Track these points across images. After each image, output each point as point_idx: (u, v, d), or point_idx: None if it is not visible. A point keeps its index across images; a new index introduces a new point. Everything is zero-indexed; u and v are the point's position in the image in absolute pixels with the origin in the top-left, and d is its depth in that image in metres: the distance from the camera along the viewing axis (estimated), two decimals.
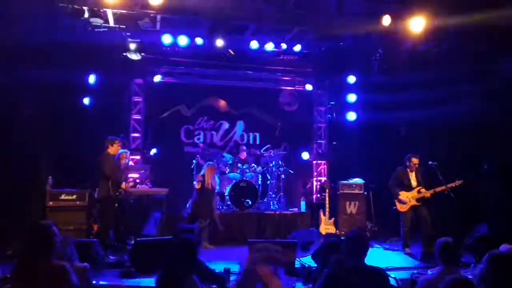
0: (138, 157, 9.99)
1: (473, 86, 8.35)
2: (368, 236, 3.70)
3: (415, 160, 7.85)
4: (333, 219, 8.82)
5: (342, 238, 4.33)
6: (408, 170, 7.91)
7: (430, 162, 7.74)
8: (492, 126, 8.28)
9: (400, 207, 7.88)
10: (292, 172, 10.43)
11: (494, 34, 7.66)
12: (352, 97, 10.93)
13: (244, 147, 10.62)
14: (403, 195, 7.80)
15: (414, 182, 7.85)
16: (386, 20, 8.18)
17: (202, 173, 8.29)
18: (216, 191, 8.64)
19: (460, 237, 6.75)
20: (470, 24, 7.67)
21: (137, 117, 10.54)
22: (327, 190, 9.08)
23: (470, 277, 3.86)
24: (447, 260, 3.90)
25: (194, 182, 8.52)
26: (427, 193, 7.69)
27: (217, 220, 8.25)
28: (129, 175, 8.08)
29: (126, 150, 8.34)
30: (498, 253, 3.06)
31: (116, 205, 7.22)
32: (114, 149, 7.38)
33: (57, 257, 3.51)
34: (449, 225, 7.78)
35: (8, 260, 4.27)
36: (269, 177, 10.12)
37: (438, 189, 7.59)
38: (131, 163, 9.10)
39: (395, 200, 7.91)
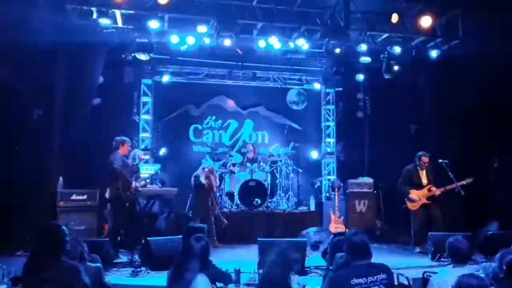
0: (147, 157, 10.02)
1: (482, 83, 8.29)
2: (364, 234, 3.69)
3: (425, 159, 7.82)
4: (342, 217, 8.79)
5: None
6: (419, 168, 7.87)
7: (440, 161, 7.69)
8: (502, 123, 8.21)
9: (411, 206, 7.85)
10: (301, 171, 10.41)
11: (504, 31, 7.61)
12: (360, 96, 10.89)
13: (253, 146, 10.62)
14: (414, 193, 7.77)
15: (424, 181, 7.82)
16: (395, 18, 8.15)
17: (195, 173, 8.32)
18: (214, 189, 8.60)
19: (471, 235, 6.69)
20: (479, 21, 7.65)
21: (146, 117, 10.58)
22: (336, 189, 9.05)
23: (481, 275, 3.84)
24: (457, 258, 3.88)
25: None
26: (437, 191, 7.65)
27: (219, 217, 8.25)
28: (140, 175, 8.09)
29: (141, 151, 8.43)
30: None
31: (127, 205, 7.24)
32: (124, 149, 7.40)
33: (69, 257, 3.54)
34: (460, 223, 7.73)
35: (19, 260, 4.30)
36: (278, 176, 10.12)
37: (449, 187, 7.55)
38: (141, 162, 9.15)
39: (405, 199, 7.88)
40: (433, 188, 7.67)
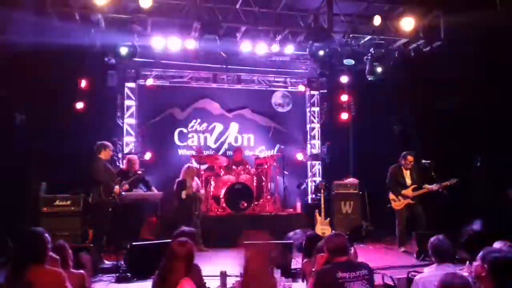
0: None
1: (463, 84, 8.41)
2: (342, 235, 3.81)
3: (410, 158, 7.89)
4: (328, 219, 8.83)
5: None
6: (403, 168, 7.94)
7: (423, 161, 7.77)
8: (484, 122, 8.34)
9: (395, 205, 7.92)
10: (286, 173, 10.43)
11: (484, 34, 7.73)
12: (344, 97, 10.97)
13: (238, 149, 10.62)
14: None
15: (409, 181, 7.89)
16: (377, 20, 8.23)
17: (180, 178, 8.24)
18: (199, 193, 8.56)
19: (454, 234, 6.78)
20: (460, 23, 7.76)
21: (130, 120, 10.50)
22: (322, 191, 9.08)
23: (465, 274, 3.88)
24: (441, 257, 3.92)
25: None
26: (419, 192, 7.72)
27: (197, 224, 8.11)
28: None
29: (135, 156, 8.40)
30: (497, 258, 3.06)
31: (110, 209, 7.15)
32: (106, 153, 7.34)
33: (51, 263, 3.50)
34: (443, 222, 7.81)
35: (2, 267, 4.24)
36: (264, 179, 10.11)
37: (433, 187, 7.62)
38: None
39: (390, 199, 7.94)
40: (427, 185, 7.70)
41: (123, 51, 8.39)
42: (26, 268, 3.33)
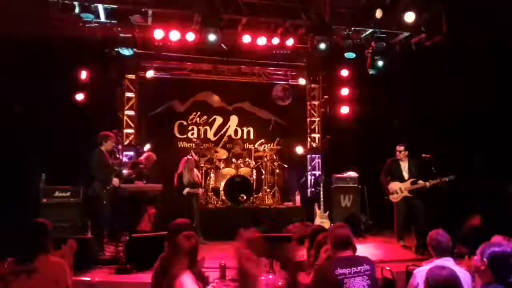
0: (131, 153, 9.94)
1: (464, 80, 8.40)
2: (348, 227, 3.79)
3: (399, 148, 7.94)
4: (327, 212, 8.85)
5: None
6: (400, 161, 7.94)
7: (423, 155, 7.75)
8: (485, 117, 8.34)
9: (392, 198, 7.91)
10: (286, 166, 10.44)
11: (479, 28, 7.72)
12: (345, 91, 10.94)
13: (238, 142, 10.61)
14: (396, 185, 7.84)
15: (406, 174, 7.86)
16: (379, 14, 8.19)
17: (179, 170, 8.24)
18: (199, 184, 8.56)
19: (453, 228, 6.78)
20: (462, 17, 7.74)
21: (130, 113, 10.48)
22: (321, 184, 9.10)
23: (464, 268, 3.90)
24: (439, 251, 3.93)
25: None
26: (414, 187, 7.72)
27: (196, 219, 8.11)
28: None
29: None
30: (496, 252, 3.07)
31: (106, 202, 7.07)
32: (108, 145, 7.28)
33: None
34: (442, 217, 7.82)
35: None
36: (263, 172, 10.12)
37: (432, 182, 7.62)
38: (125, 159, 9.09)
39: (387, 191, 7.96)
40: (421, 182, 7.72)
41: (124, 42, 8.34)
42: (33, 257, 3.37)
